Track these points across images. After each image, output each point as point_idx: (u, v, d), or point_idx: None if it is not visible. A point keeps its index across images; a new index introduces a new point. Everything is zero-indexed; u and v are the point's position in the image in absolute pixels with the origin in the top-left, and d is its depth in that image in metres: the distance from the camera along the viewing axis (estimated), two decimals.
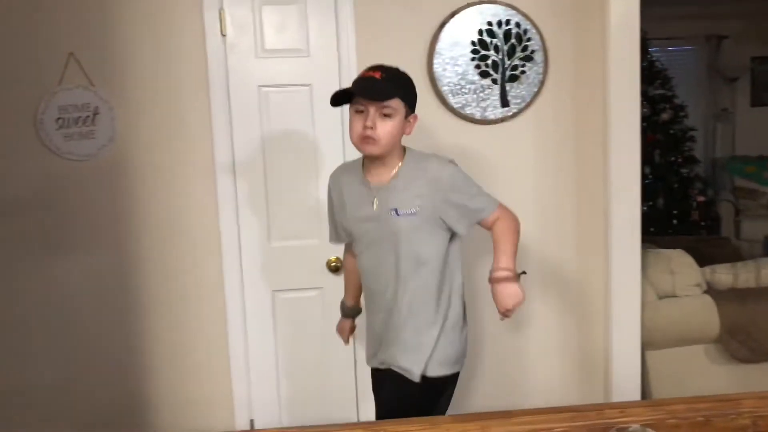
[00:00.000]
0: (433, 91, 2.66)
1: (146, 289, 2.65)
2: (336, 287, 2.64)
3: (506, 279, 1.79)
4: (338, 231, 2.08)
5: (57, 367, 2.63)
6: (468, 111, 2.68)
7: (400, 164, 1.88)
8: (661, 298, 2.92)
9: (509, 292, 1.78)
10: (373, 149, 1.81)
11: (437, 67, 2.64)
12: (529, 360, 2.85)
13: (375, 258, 1.93)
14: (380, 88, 1.79)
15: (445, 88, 2.66)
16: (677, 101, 5.60)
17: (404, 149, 1.92)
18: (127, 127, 2.55)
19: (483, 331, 2.75)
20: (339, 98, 1.84)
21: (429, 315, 1.91)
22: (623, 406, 1.45)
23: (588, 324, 2.84)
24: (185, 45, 2.55)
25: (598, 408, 1.44)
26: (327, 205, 2.11)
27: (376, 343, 2.02)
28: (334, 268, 2.69)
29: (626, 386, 2.79)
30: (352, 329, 2.29)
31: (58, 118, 2.46)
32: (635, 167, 2.72)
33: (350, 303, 2.26)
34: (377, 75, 1.80)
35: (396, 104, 1.80)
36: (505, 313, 1.80)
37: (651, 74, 5.39)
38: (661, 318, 2.87)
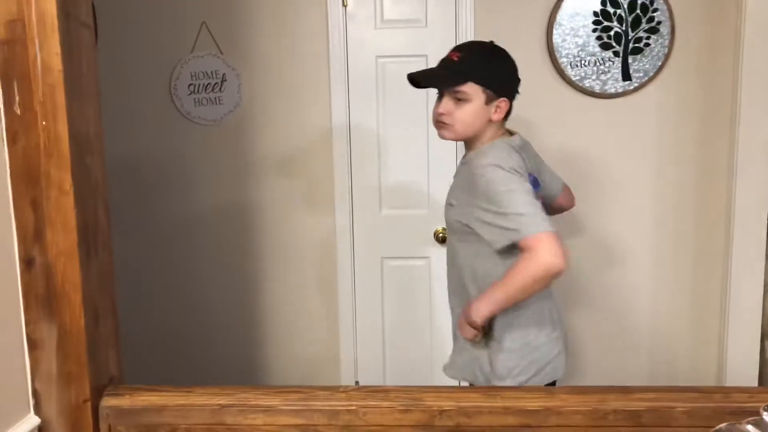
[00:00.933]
0: (551, 63, 2.61)
1: (263, 254, 2.78)
2: (443, 258, 2.67)
3: (467, 317, 1.68)
4: None
5: (177, 320, 2.83)
6: (587, 84, 2.61)
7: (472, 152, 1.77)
8: None
9: (462, 326, 1.70)
10: (445, 134, 1.74)
11: (557, 38, 2.58)
12: (636, 340, 2.78)
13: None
14: (439, 75, 1.72)
15: (563, 60, 2.60)
16: None
17: (500, 135, 1.77)
18: (252, 93, 2.67)
19: (588, 308, 2.71)
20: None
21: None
22: (752, 391, 1.38)
23: (703, 307, 2.73)
24: (308, 15, 2.62)
25: (725, 391, 1.39)
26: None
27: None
28: (442, 239, 2.72)
29: (741, 376, 2.67)
30: None
31: (190, 84, 2.62)
32: (765, 146, 2.56)
33: None
34: (455, 56, 1.70)
35: (470, 89, 1.67)
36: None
37: None
38: None
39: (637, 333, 2.77)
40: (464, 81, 1.67)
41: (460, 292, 1.85)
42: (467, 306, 1.70)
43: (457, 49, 1.73)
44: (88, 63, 1.26)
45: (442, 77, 1.71)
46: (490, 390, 1.39)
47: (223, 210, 2.76)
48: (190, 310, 2.82)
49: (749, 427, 0.89)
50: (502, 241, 1.62)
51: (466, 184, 1.71)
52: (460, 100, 1.68)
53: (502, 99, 1.72)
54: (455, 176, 1.83)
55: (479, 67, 1.70)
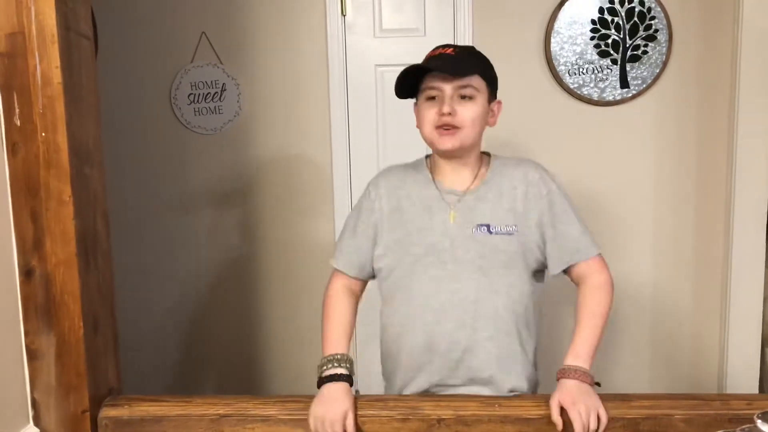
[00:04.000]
0: (549, 70, 2.62)
1: (264, 262, 2.79)
2: None
3: (577, 376, 1.33)
4: (361, 258, 1.61)
5: (176, 329, 2.83)
6: (585, 92, 2.62)
7: (485, 168, 1.50)
8: None
9: (584, 399, 1.28)
10: (452, 141, 1.41)
11: (554, 46, 2.59)
12: (636, 348, 2.78)
13: (439, 288, 1.47)
14: (457, 62, 1.40)
15: (561, 68, 2.61)
16: None
17: (487, 154, 1.55)
18: (251, 102, 2.68)
19: None
20: (405, 85, 1.47)
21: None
22: (751, 398, 1.39)
23: (703, 315, 2.72)
24: (307, 24, 2.63)
25: (724, 398, 1.39)
26: (353, 217, 1.65)
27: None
28: None
29: (742, 383, 2.66)
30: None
31: (190, 94, 2.63)
32: (763, 154, 2.57)
33: (347, 355, 1.58)
34: (449, 51, 1.43)
35: (477, 83, 1.41)
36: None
37: None
38: None
39: (637, 340, 2.77)
40: (473, 71, 1.41)
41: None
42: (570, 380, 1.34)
43: (445, 46, 1.46)
44: (87, 74, 1.28)
45: (457, 63, 1.40)
46: (489, 399, 1.39)
47: (223, 218, 2.77)
48: (189, 319, 2.82)
49: None
50: (569, 258, 1.48)
51: (521, 201, 1.46)
52: (464, 97, 1.41)
53: (497, 101, 1.49)
54: (478, 198, 1.47)
55: (481, 60, 1.46)
